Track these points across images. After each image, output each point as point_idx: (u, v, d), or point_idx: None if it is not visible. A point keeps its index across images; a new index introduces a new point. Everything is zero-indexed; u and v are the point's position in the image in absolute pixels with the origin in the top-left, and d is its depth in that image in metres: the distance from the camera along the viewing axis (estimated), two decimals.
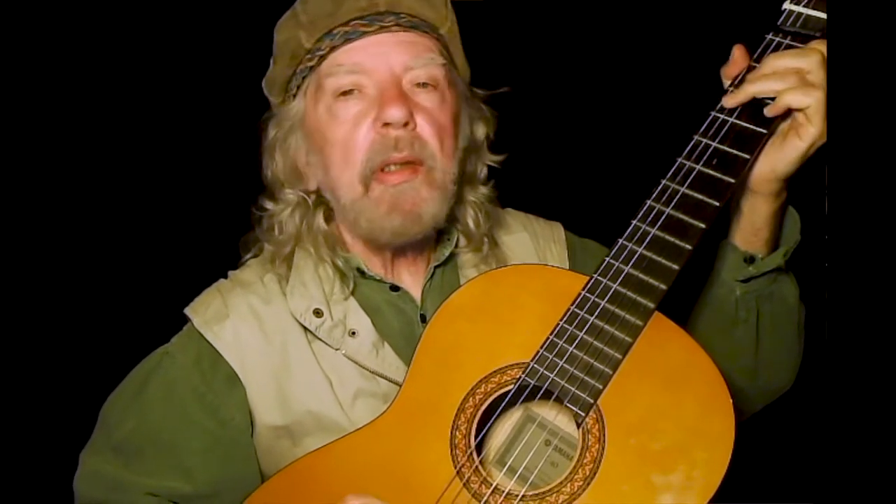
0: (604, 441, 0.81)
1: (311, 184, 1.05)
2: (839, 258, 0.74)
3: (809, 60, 0.87)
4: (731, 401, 0.79)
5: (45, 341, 1.64)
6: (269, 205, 1.06)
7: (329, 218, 1.06)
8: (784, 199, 0.97)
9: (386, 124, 0.96)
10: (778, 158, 0.91)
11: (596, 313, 0.87)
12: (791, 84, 0.87)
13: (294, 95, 1.03)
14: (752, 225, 0.98)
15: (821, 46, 0.88)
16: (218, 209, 1.10)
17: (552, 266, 0.96)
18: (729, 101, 0.91)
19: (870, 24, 0.76)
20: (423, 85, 0.99)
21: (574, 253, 1.16)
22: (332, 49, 0.98)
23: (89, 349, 1.64)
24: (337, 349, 1.00)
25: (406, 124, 0.96)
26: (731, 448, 0.77)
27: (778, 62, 0.89)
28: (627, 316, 0.85)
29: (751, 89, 0.90)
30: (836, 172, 0.75)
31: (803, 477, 1.43)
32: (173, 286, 1.12)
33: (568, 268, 1.13)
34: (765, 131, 0.90)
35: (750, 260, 0.99)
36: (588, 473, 0.80)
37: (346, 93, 0.98)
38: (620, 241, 0.90)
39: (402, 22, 1.00)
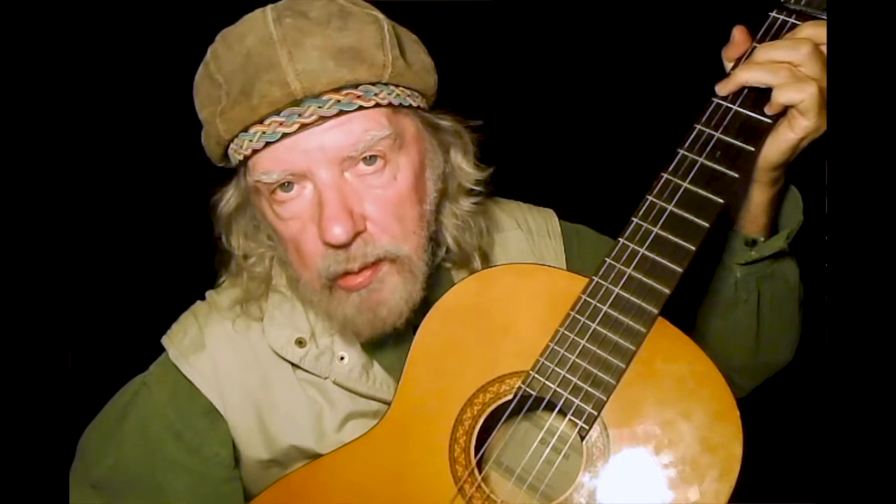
0: (608, 456, 0.79)
1: (279, 253, 0.96)
2: (839, 257, 0.72)
3: (801, 53, 0.83)
4: (738, 411, 0.77)
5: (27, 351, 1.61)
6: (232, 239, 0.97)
7: None
8: (782, 185, 0.94)
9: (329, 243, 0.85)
10: (771, 148, 0.88)
11: (597, 320, 0.83)
12: (783, 79, 0.83)
13: (234, 170, 0.93)
14: (750, 211, 0.95)
15: (812, 31, 0.84)
16: (203, 215, 1.03)
17: (549, 266, 0.91)
18: (721, 88, 0.87)
19: (871, 20, 0.72)
20: (370, 162, 0.86)
21: (570, 245, 1.12)
22: (254, 152, 0.85)
23: (77, 356, 1.60)
24: (325, 378, 0.95)
25: (353, 238, 0.85)
26: (739, 459, 0.76)
27: (770, 53, 0.85)
28: (630, 322, 0.82)
29: (742, 77, 0.85)
30: (836, 166, 0.73)
31: (803, 477, 1.46)
32: (161, 292, 1.06)
33: (565, 261, 1.10)
34: (769, 121, 0.86)
35: (752, 243, 0.97)
36: (593, 490, 0.78)
37: (285, 192, 0.86)
38: (621, 240, 0.85)
39: (326, 110, 0.83)
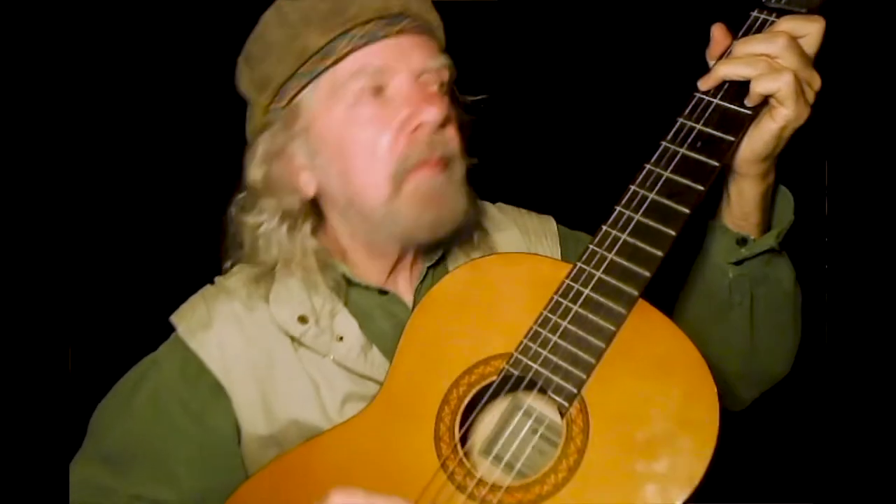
0: (588, 431, 0.80)
1: (310, 190, 1.02)
2: (839, 260, 0.74)
3: (777, 45, 0.86)
4: (715, 389, 0.78)
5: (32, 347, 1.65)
6: (248, 217, 1.03)
7: (315, 230, 1.04)
8: (772, 180, 0.95)
9: (419, 126, 0.95)
10: (755, 139, 0.90)
11: (579, 302, 0.86)
12: (761, 70, 0.86)
13: (292, 98, 0.99)
14: (741, 208, 0.96)
15: (789, 24, 0.87)
16: (205, 214, 1.09)
17: (536, 255, 0.95)
18: (702, 83, 0.90)
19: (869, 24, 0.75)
20: (439, 86, 0.99)
21: (566, 245, 1.15)
22: (352, 50, 0.95)
23: (77, 356, 1.64)
24: (325, 355, 0.99)
25: (441, 125, 0.96)
26: (715, 436, 0.76)
27: (747, 47, 0.88)
28: (611, 304, 0.84)
29: (721, 72, 0.89)
30: (835, 167, 0.75)
31: (801, 477, 1.43)
32: (161, 292, 1.11)
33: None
34: (749, 112, 0.88)
35: (742, 242, 0.98)
36: (572, 464, 0.79)
37: (369, 95, 0.96)
38: (604, 227, 0.88)
39: (415, 26, 0.98)
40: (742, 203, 0.96)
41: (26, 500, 0.95)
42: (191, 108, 1.67)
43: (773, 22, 0.91)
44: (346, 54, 0.95)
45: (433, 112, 0.95)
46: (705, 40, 0.97)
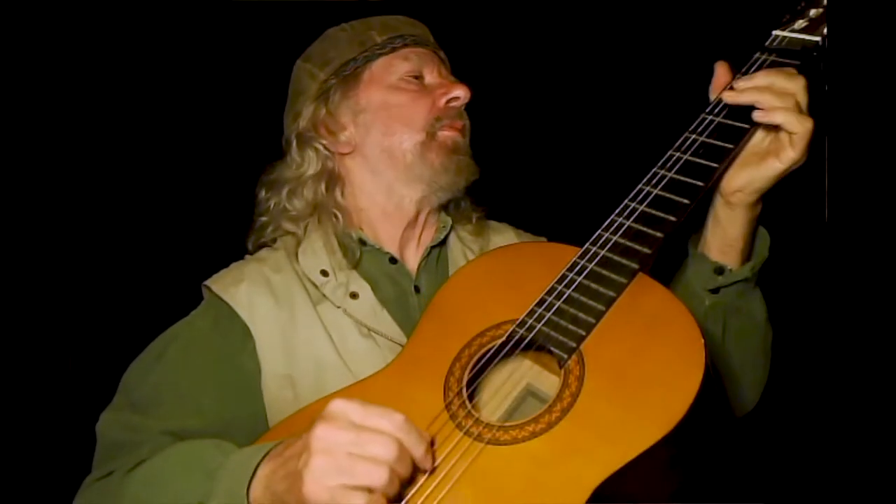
0: (583, 379, 0.86)
1: (347, 142, 1.21)
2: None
3: (799, 86, 0.97)
4: (702, 339, 0.83)
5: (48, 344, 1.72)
6: (290, 169, 1.22)
7: (342, 194, 1.22)
8: (758, 212, 1.05)
9: (453, 99, 1.20)
10: (756, 175, 0.99)
11: (584, 273, 0.94)
12: (788, 105, 0.96)
13: (349, 74, 1.22)
14: (726, 238, 1.05)
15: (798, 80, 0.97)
16: (206, 216, 1.24)
17: (554, 242, 1.05)
18: (727, 96, 1.00)
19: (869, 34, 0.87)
20: None
21: None
22: (404, 45, 1.23)
23: (91, 353, 1.73)
24: (339, 307, 1.12)
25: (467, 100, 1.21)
26: (699, 379, 0.80)
27: (774, 80, 0.98)
28: (613, 275, 0.93)
29: (748, 97, 0.98)
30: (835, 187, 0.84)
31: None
32: (161, 292, 1.22)
33: None
34: (747, 126, 0.99)
35: (720, 271, 1.06)
36: (566, 405, 0.84)
37: (413, 77, 1.21)
38: (613, 215, 0.98)
39: (439, 52, 1.30)
40: (730, 232, 1.05)
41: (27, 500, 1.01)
42: (191, 108, 1.81)
43: (773, 61, 1.04)
44: (400, 47, 1.23)
45: (464, 90, 1.21)
46: (695, 68, 1.09)
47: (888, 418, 0.88)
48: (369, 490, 0.75)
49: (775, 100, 0.97)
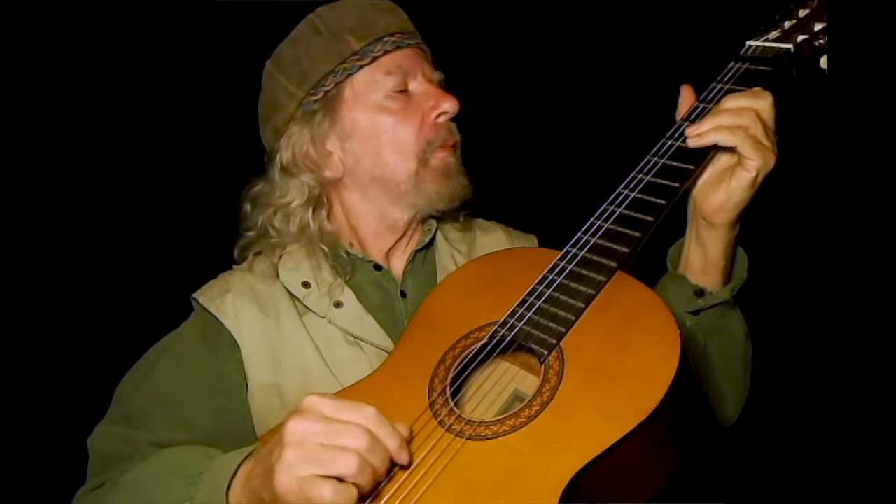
0: (562, 373, 0.87)
1: (335, 171, 1.19)
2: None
3: (753, 114, 0.97)
4: (678, 331, 0.84)
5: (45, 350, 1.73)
6: (275, 197, 1.20)
7: (328, 215, 1.22)
8: (737, 232, 1.05)
9: (441, 114, 1.18)
10: (731, 190, 1.00)
11: (564, 274, 0.96)
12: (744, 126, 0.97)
13: (328, 91, 1.17)
14: (707, 259, 1.06)
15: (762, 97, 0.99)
16: (198, 225, 1.26)
17: (533, 248, 1.07)
18: (692, 141, 1.00)
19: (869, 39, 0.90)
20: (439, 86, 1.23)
21: None
22: (385, 52, 1.17)
23: (84, 364, 1.72)
24: (323, 317, 1.13)
25: (456, 112, 1.19)
26: (675, 367, 0.81)
27: (729, 118, 0.98)
28: (592, 274, 0.94)
29: (712, 137, 0.98)
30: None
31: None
32: (161, 293, 1.24)
33: None
34: (693, 167, 1.00)
35: (699, 293, 1.07)
36: (545, 399, 0.85)
37: (397, 92, 1.17)
38: (592, 218, 1.00)
39: (420, 43, 1.24)
40: (710, 252, 1.05)
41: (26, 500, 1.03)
42: (190, 111, 1.81)
43: (746, 69, 1.07)
44: (381, 56, 1.17)
45: (452, 103, 1.18)
46: (666, 78, 1.12)
47: (866, 424, 0.88)
48: (339, 479, 0.76)
49: (731, 137, 0.97)
